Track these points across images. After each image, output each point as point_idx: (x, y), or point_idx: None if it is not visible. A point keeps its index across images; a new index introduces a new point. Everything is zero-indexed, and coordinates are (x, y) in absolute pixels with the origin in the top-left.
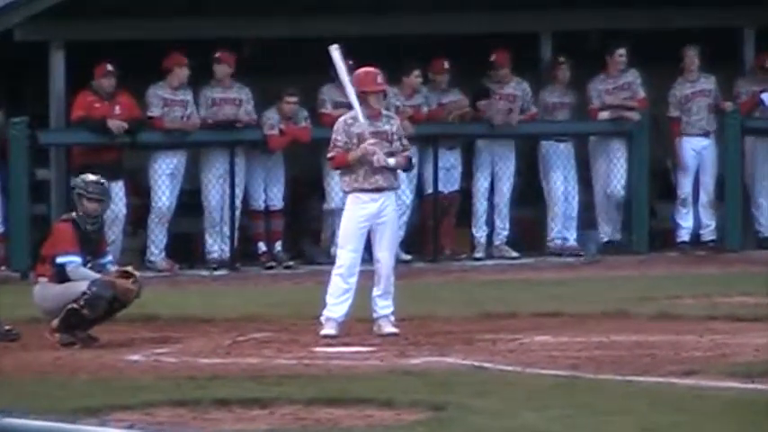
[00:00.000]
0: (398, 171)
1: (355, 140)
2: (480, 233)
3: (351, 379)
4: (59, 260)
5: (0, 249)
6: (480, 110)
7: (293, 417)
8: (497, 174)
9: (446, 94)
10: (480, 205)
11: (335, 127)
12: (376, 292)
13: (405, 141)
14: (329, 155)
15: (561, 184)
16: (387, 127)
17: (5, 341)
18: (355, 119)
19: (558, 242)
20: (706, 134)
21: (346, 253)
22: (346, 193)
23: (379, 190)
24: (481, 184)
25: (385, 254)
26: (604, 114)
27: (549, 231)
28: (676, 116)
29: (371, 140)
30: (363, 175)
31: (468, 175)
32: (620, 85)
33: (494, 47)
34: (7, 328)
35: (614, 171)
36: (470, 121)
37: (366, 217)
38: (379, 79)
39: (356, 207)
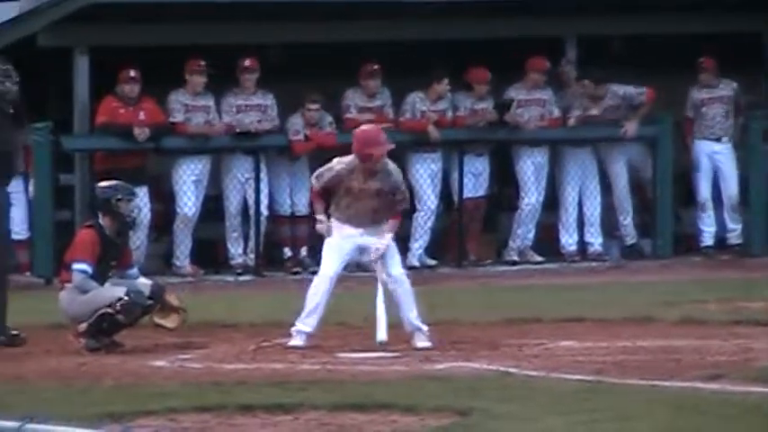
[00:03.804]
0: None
1: (343, 190)
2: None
3: (375, 384)
4: (72, 267)
5: (24, 255)
6: (508, 122)
7: (317, 422)
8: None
9: (479, 102)
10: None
11: (332, 165)
12: (402, 308)
13: (399, 197)
14: (314, 179)
15: (573, 191)
16: (378, 185)
17: (11, 346)
18: (351, 171)
19: (572, 249)
20: (719, 139)
21: (324, 268)
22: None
23: (361, 226)
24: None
25: (396, 269)
26: (631, 127)
27: (561, 238)
28: (690, 117)
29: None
30: (346, 213)
31: (495, 181)
32: (609, 108)
33: (516, 52)
34: (14, 332)
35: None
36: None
37: (351, 236)
38: (382, 138)
39: (339, 230)
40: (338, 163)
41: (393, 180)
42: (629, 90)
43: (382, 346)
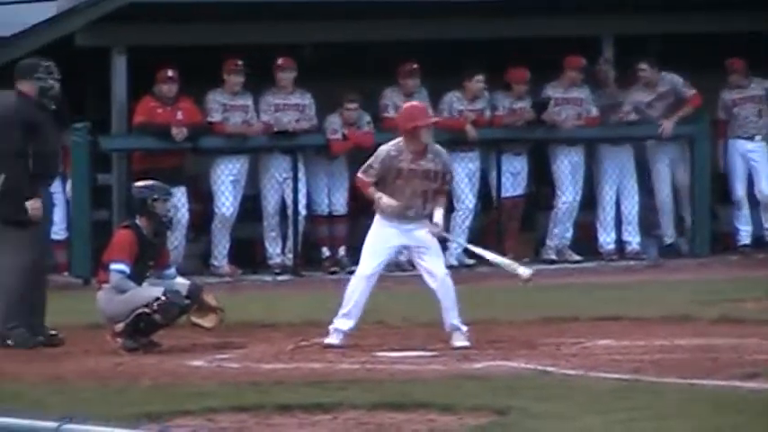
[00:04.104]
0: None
1: (393, 174)
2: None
3: (413, 383)
4: (110, 267)
5: (62, 255)
6: (546, 121)
7: (356, 422)
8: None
9: (517, 101)
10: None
11: (378, 152)
12: (443, 308)
13: (448, 178)
14: (360, 174)
15: (611, 189)
16: (430, 165)
17: (49, 346)
18: (400, 152)
19: (610, 247)
20: (752, 138)
21: (363, 267)
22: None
23: (407, 219)
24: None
25: (439, 270)
26: (668, 126)
27: (599, 237)
28: (723, 119)
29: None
30: (395, 208)
31: (533, 180)
32: (661, 94)
33: (553, 51)
34: (52, 332)
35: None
36: (535, 128)
37: (392, 236)
38: (429, 112)
39: (382, 226)
40: (382, 150)
41: (443, 160)
42: (680, 80)
43: (529, 281)
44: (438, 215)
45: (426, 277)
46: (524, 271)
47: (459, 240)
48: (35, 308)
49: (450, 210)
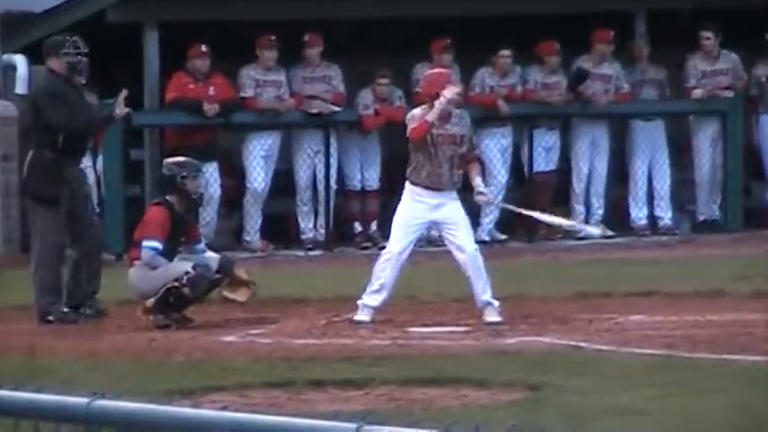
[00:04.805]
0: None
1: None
2: (579, 212)
3: (446, 359)
4: (143, 244)
5: None
6: (581, 93)
7: (388, 397)
8: (593, 154)
9: (551, 75)
10: (578, 186)
11: (410, 115)
12: (474, 283)
13: (474, 140)
14: (408, 130)
15: (643, 164)
16: (456, 129)
17: (95, 317)
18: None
19: (642, 223)
20: None
21: (393, 243)
22: (408, 180)
23: (438, 189)
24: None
25: (469, 245)
26: (698, 93)
27: (631, 212)
28: (755, 94)
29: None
30: (426, 173)
31: (564, 155)
32: (719, 70)
33: (586, 28)
34: (101, 307)
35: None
36: (568, 103)
37: (422, 211)
38: (452, 78)
39: (412, 199)
40: (414, 112)
41: (467, 122)
42: (737, 60)
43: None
44: (479, 182)
45: (456, 253)
46: (595, 230)
47: (510, 206)
48: (89, 279)
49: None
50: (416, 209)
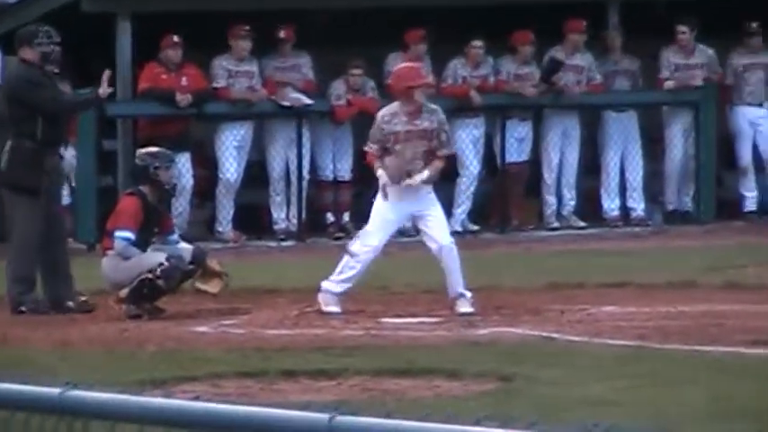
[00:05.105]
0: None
1: (392, 139)
2: (551, 203)
3: (418, 350)
4: (115, 235)
5: (67, 221)
6: (554, 83)
7: (360, 388)
8: (565, 145)
9: (523, 66)
10: (549, 176)
11: (375, 120)
12: (448, 275)
13: (444, 137)
14: (366, 147)
15: (616, 155)
16: (426, 124)
17: (80, 312)
18: (394, 115)
19: (614, 214)
20: (761, 104)
21: (373, 238)
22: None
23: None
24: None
25: (444, 238)
26: (670, 84)
27: (603, 203)
28: (730, 83)
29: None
30: (396, 169)
31: (536, 146)
32: (694, 65)
33: (559, 18)
34: (83, 298)
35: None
36: (540, 94)
37: (398, 205)
38: (423, 72)
39: (389, 193)
40: (377, 116)
41: (438, 118)
42: (713, 56)
43: None
44: (423, 175)
45: (430, 244)
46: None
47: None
48: (59, 275)
49: (454, 176)
50: (392, 203)
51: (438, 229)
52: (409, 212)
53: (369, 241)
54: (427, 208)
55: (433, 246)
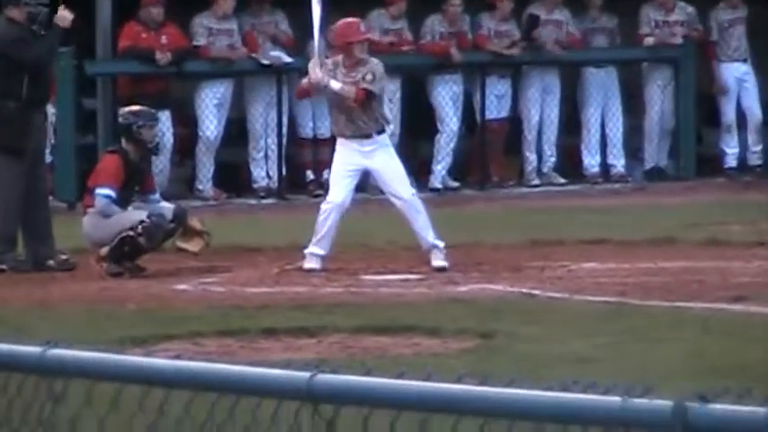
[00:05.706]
0: (378, 113)
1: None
2: (531, 160)
3: (398, 307)
4: (96, 192)
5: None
6: (534, 39)
7: (341, 345)
8: (545, 101)
9: (502, 23)
10: (530, 133)
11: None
12: (416, 228)
13: (369, 77)
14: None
15: (596, 112)
16: (359, 76)
17: (61, 270)
18: (336, 65)
19: (594, 170)
20: (745, 60)
21: (332, 194)
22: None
23: (361, 137)
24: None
25: (405, 192)
26: (650, 41)
27: (583, 159)
28: (714, 40)
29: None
30: (344, 122)
31: (516, 103)
32: (674, 21)
33: None
34: (64, 257)
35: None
36: (521, 51)
37: (354, 158)
38: (362, 28)
39: (343, 150)
40: (327, 61)
41: (373, 69)
42: (694, 12)
43: None
44: (333, 84)
45: (394, 200)
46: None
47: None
48: (41, 233)
49: (434, 132)
50: (348, 157)
51: (398, 185)
52: (364, 166)
53: (330, 197)
54: (384, 164)
55: (395, 200)
